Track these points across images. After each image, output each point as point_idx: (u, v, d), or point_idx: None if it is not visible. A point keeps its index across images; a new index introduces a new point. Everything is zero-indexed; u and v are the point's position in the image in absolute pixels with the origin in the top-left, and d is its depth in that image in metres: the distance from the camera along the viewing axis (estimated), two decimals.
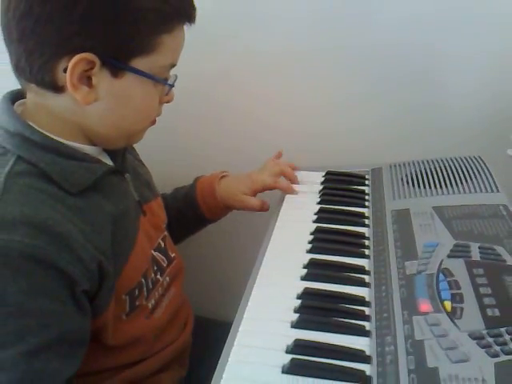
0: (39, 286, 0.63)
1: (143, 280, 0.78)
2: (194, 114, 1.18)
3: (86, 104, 0.68)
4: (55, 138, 0.70)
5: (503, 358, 0.54)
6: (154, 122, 0.79)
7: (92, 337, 0.72)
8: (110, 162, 0.78)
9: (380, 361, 0.57)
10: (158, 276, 0.84)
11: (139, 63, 0.69)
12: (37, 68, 0.66)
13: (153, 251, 0.83)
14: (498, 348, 0.55)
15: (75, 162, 0.70)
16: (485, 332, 0.57)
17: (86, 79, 0.67)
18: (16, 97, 0.75)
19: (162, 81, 0.73)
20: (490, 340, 0.56)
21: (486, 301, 0.62)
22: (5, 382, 0.61)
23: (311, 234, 0.83)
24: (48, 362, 0.63)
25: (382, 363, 0.57)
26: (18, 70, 0.69)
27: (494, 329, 0.57)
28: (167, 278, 0.87)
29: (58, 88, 0.68)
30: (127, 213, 0.77)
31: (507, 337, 0.56)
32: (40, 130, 0.69)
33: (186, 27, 0.73)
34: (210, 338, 0.98)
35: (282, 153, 1.07)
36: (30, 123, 0.70)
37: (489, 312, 0.60)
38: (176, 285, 0.90)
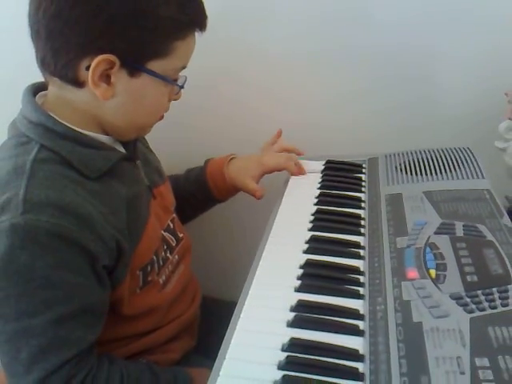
0: (64, 261, 0.70)
1: (155, 257, 0.86)
2: (199, 108, 1.25)
3: (105, 99, 0.76)
4: (74, 128, 0.78)
5: (478, 313, 0.62)
6: (162, 117, 0.87)
7: (110, 308, 0.80)
8: (122, 150, 0.86)
9: (371, 317, 0.65)
10: (168, 254, 0.92)
11: (154, 65, 0.76)
12: (61, 64, 0.74)
13: (163, 231, 0.91)
14: (473, 306, 0.63)
15: (93, 150, 0.78)
16: (463, 294, 0.65)
17: (106, 77, 0.74)
18: (37, 89, 0.82)
19: (173, 82, 0.81)
20: (468, 300, 0.64)
21: (467, 269, 0.70)
22: (35, 347, 0.69)
23: (312, 215, 0.91)
24: (72, 329, 0.71)
25: (373, 319, 0.65)
26: (44, 64, 0.76)
27: (472, 291, 0.65)
28: (176, 256, 0.95)
29: (79, 83, 0.75)
30: (139, 196, 0.85)
31: (482, 297, 0.64)
32: (61, 120, 0.77)
33: (197, 33, 0.81)
34: (216, 313, 1.06)
35: (286, 141, 1.14)
36: (52, 114, 0.77)
37: (468, 278, 0.68)
38: (184, 262, 0.98)
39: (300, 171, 1.07)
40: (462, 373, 0.54)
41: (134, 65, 0.75)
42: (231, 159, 1.10)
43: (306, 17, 1.17)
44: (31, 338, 0.69)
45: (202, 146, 1.27)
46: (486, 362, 0.55)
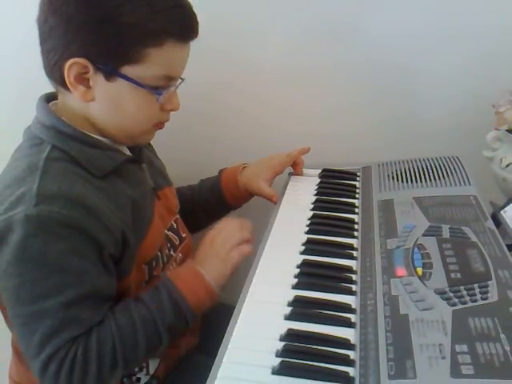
0: (74, 248, 0.76)
1: (159, 253, 0.92)
2: (201, 117, 1.31)
3: (84, 101, 0.82)
4: (81, 130, 0.84)
5: (459, 306, 0.67)
6: (159, 126, 0.91)
7: (117, 301, 0.84)
8: (128, 153, 0.92)
9: (362, 311, 0.71)
10: (172, 252, 0.98)
11: (128, 70, 0.80)
12: (51, 66, 0.82)
13: (166, 230, 0.97)
14: (456, 300, 0.68)
15: (99, 151, 0.84)
16: (447, 289, 0.71)
17: (84, 80, 0.81)
18: (50, 98, 0.89)
19: (149, 88, 0.82)
20: (451, 294, 0.70)
21: (451, 267, 0.76)
22: (49, 327, 0.74)
23: (309, 219, 0.97)
24: (81, 311, 0.76)
25: (364, 312, 0.71)
26: (44, 68, 0.84)
27: (455, 287, 0.71)
28: (180, 255, 1.00)
29: (66, 86, 0.82)
30: (144, 196, 0.91)
31: (464, 292, 0.70)
32: (69, 123, 0.84)
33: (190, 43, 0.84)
34: (217, 316, 1.11)
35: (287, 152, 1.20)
36: (62, 118, 0.84)
37: (452, 275, 0.74)
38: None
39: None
40: (444, 357, 0.59)
41: (107, 69, 0.80)
42: (244, 167, 1.15)
43: (301, 32, 1.24)
44: (45, 319, 0.74)
45: (206, 153, 1.34)
46: (465, 348, 0.60)
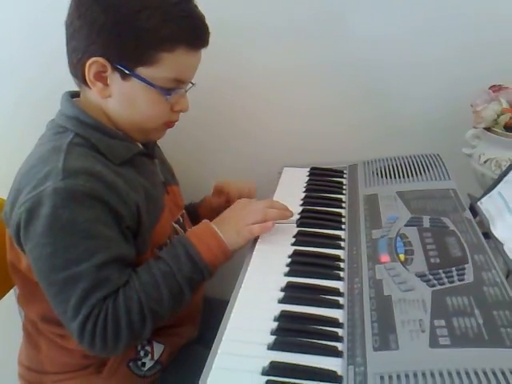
0: (99, 216, 0.83)
1: (168, 241, 0.98)
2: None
3: (102, 97, 0.90)
4: (101, 121, 0.91)
5: (438, 287, 0.73)
6: (169, 125, 0.98)
7: None
8: (142, 148, 0.99)
9: (349, 293, 0.77)
10: None
11: (143, 72, 0.88)
12: (74, 65, 0.90)
13: (174, 223, 1.03)
14: (435, 281, 0.75)
15: (117, 141, 0.92)
16: (427, 272, 0.77)
17: (103, 78, 0.88)
18: (73, 95, 0.96)
19: (159, 89, 0.89)
20: (431, 277, 0.76)
21: (431, 253, 0.82)
22: (83, 290, 0.80)
23: (299, 214, 1.03)
24: (110, 273, 0.82)
25: (351, 295, 0.77)
26: (69, 66, 0.92)
27: (434, 270, 0.77)
28: None
29: (87, 83, 0.90)
30: (156, 186, 0.97)
31: (443, 275, 0.76)
32: (91, 115, 0.91)
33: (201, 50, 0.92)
34: (215, 311, 1.16)
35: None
36: (84, 110, 0.91)
37: (432, 260, 0.80)
38: None
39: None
40: (423, 331, 0.65)
41: (123, 69, 0.87)
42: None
43: (289, 33, 1.28)
44: (79, 283, 0.80)
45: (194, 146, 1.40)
46: (442, 322, 0.66)
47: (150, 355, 0.98)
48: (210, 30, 0.92)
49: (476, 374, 0.58)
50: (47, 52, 1.24)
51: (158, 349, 0.99)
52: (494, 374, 0.58)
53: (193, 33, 0.90)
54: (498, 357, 0.61)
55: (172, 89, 0.91)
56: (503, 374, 0.58)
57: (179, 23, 0.87)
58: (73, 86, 0.96)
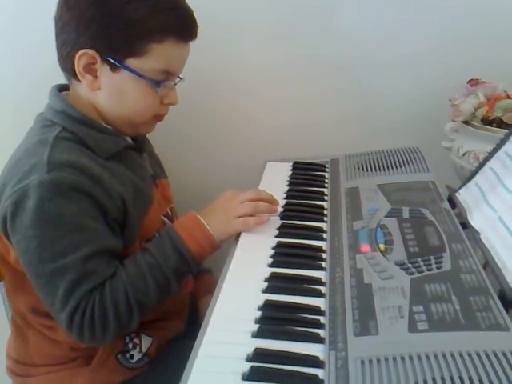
0: (84, 209, 0.84)
1: (157, 234, 0.99)
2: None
3: (92, 90, 0.91)
4: (89, 116, 0.92)
5: (417, 275, 0.76)
6: (159, 118, 0.99)
7: None
8: (131, 142, 1.00)
9: (331, 282, 0.79)
10: None
11: (132, 63, 0.89)
12: (63, 58, 0.91)
13: (162, 216, 1.04)
14: (414, 269, 0.77)
15: (104, 135, 0.93)
16: (406, 261, 0.79)
17: (92, 71, 0.89)
18: (62, 88, 0.97)
19: (149, 80, 0.90)
20: (410, 265, 0.78)
21: (410, 243, 0.84)
22: (69, 282, 0.82)
23: (282, 207, 1.04)
24: (97, 265, 0.84)
25: (332, 283, 0.79)
26: (58, 60, 0.92)
27: (413, 259, 0.79)
28: None
29: (76, 76, 0.90)
30: (144, 180, 0.99)
31: (421, 263, 0.78)
32: (79, 110, 0.92)
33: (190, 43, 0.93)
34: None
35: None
36: (73, 105, 0.92)
37: (411, 249, 0.82)
38: None
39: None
40: (402, 317, 0.67)
41: (113, 60, 0.88)
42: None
43: (272, 27, 1.30)
44: (66, 275, 0.81)
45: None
46: (421, 308, 0.68)
47: (138, 347, 0.99)
48: (198, 24, 0.94)
49: (453, 356, 0.60)
50: (33, 44, 1.25)
51: (146, 341, 1.00)
52: (470, 355, 0.60)
53: (181, 24, 0.91)
54: (474, 339, 0.63)
55: (161, 81, 0.93)
56: (478, 355, 0.60)
57: (167, 14, 0.88)
58: (60, 79, 0.96)
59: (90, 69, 0.89)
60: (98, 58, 0.88)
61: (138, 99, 0.93)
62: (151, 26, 0.87)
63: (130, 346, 0.98)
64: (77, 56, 0.87)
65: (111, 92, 0.92)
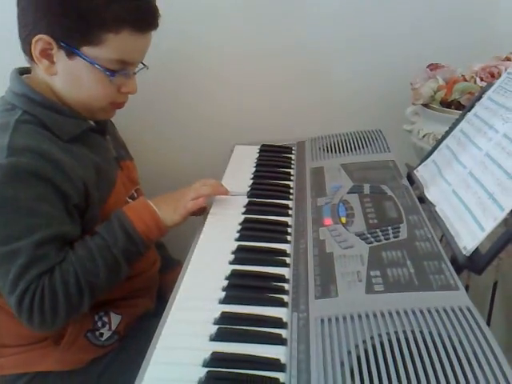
0: (42, 195, 0.85)
1: None
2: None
3: (49, 74, 0.92)
4: (50, 98, 0.93)
5: (375, 244, 0.80)
6: (117, 106, 1.00)
7: None
8: (93, 124, 1.01)
9: (295, 253, 0.83)
10: None
11: (87, 51, 0.90)
12: (22, 40, 0.92)
13: (128, 198, 1.05)
14: (372, 239, 0.81)
15: (66, 118, 0.94)
16: (366, 232, 0.83)
17: (49, 56, 0.91)
18: (23, 72, 0.98)
19: (103, 69, 0.91)
20: (369, 236, 0.82)
21: (370, 216, 0.88)
22: (21, 266, 0.82)
23: (249, 186, 1.08)
24: (48, 250, 0.84)
25: (296, 254, 0.83)
26: (20, 42, 0.93)
27: (372, 229, 0.84)
28: None
29: (34, 59, 0.92)
30: (107, 162, 1.00)
31: (380, 233, 0.82)
32: (39, 92, 0.92)
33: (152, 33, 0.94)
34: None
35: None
36: (33, 87, 0.93)
37: (370, 221, 0.86)
38: None
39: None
40: (360, 281, 0.71)
41: (68, 47, 0.90)
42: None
43: (242, 13, 1.35)
44: (18, 258, 0.82)
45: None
46: (378, 273, 0.72)
47: (107, 326, 1.01)
48: (161, 7, 0.94)
49: (406, 313, 0.64)
50: None
51: (115, 319, 1.02)
52: (422, 312, 0.64)
53: (139, 15, 0.90)
54: (427, 298, 0.67)
55: (117, 70, 0.93)
56: (430, 312, 0.64)
57: (124, 5, 0.88)
58: (24, 63, 0.97)
59: (46, 54, 0.90)
60: (54, 44, 0.89)
61: (92, 86, 0.93)
62: (106, 17, 0.88)
63: (100, 324, 1.00)
64: (33, 41, 0.88)
65: (67, 78, 0.93)
